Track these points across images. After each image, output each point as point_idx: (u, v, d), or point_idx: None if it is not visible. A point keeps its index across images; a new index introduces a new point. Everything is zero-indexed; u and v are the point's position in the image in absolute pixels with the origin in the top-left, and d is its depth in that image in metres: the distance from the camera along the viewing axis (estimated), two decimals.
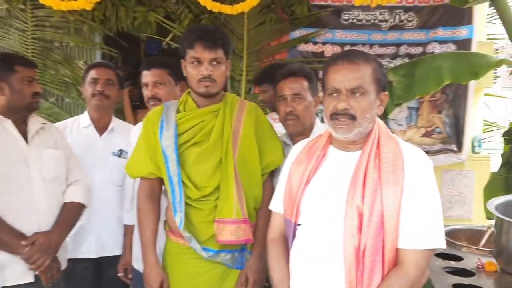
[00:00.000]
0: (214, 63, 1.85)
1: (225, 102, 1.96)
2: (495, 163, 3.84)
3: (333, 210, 1.44)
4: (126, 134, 2.48)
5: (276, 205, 1.68)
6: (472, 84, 3.66)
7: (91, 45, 3.85)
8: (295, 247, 1.57)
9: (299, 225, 1.55)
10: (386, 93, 1.51)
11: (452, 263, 1.83)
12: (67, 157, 2.13)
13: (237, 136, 1.91)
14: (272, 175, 2.03)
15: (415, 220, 1.36)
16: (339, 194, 1.44)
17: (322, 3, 3.78)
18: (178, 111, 1.95)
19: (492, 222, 3.37)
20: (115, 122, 2.56)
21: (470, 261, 1.85)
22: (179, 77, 2.34)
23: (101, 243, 2.43)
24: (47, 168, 2.01)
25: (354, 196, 1.39)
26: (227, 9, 2.93)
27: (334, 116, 1.45)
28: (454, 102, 3.75)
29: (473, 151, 3.82)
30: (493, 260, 1.78)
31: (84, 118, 2.52)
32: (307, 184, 1.53)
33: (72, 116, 3.77)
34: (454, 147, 3.77)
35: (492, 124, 4.31)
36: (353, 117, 1.42)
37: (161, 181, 1.98)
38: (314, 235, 1.48)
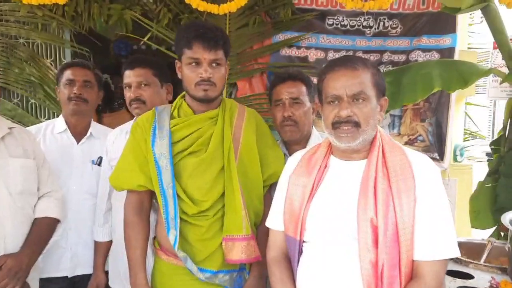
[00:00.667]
0: (214, 64, 1.70)
1: (223, 107, 1.80)
2: (477, 172, 3.87)
3: (344, 225, 1.37)
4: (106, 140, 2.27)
5: (274, 221, 1.57)
6: (454, 92, 3.65)
7: (60, 43, 3.59)
8: (302, 266, 1.46)
9: (304, 242, 1.46)
10: (386, 98, 1.46)
11: (466, 282, 1.74)
12: (39, 165, 1.89)
13: (237, 145, 1.75)
14: (270, 187, 1.89)
15: (431, 230, 1.31)
16: (348, 207, 1.37)
17: (306, 6, 3.68)
18: (172, 117, 1.77)
19: (472, 232, 3.38)
20: (95, 127, 2.33)
21: (482, 279, 1.77)
22: (164, 78, 2.17)
23: (77, 260, 2.21)
24: (14, 180, 1.77)
25: (366, 208, 1.33)
26: (213, 8, 2.76)
27: (337, 124, 1.38)
28: (437, 110, 3.73)
29: (455, 160, 3.82)
30: (508, 278, 1.71)
31: (59, 123, 2.28)
32: (311, 199, 1.44)
33: (38, 119, 3.52)
34: (436, 155, 3.75)
35: (473, 133, 4.35)
36: (357, 124, 1.37)
37: (150, 193, 1.79)
38: (325, 252, 1.40)
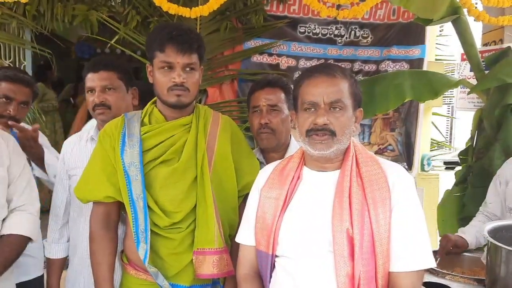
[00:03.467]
0: (188, 69, 1.61)
1: (197, 114, 1.71)
2: (443, 182, 3.93)
3: (319, 237, 1.32)
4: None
5: (245, 236, 1.50)
6: (422, 103, 3.71)
7: (20, 44, 3.41)
8: (275, 282, 1.41)
9: (277, 256, 1.41)
10: (361, 109, 1.44)
11: None
12: (15, 175, 1.70)
13: (211, 154, 1.67)
14: (245, 197, 1.82)
15: (407, 240, 1.29)
16: (322, 219, 1.33)
17: (279, 14, 3.66)
18: (142, 124, 1.67)
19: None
20: None
21: None
22: (130, 82, 2.05)
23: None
24: None
25: (342, 219, 1.29)
26: (185, 11, 2.67)
27: (312, 132, 1.35)
28: (406, 120, 3.78)
29: (422, 169, 3.87)
30: None
31: None
32: (283, 211, 1.40)
33: None
34: (405, 165, 3.79)
35: (439, 143, 4.43)
36: (332, 133, 1.34)
37: (118, 205, 1.68)
38: (299, 266, 1.35)
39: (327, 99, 1.33)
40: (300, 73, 3.66)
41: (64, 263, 2.04)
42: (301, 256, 1.34)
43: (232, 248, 1.68)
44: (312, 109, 1.35)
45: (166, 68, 1.59)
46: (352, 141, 1.42)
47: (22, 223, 1.68)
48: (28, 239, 1.69)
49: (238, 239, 1.53)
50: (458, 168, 3.40)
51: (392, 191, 1.31)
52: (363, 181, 1.34)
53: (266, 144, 1.94)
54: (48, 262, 2.03)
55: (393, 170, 1.37)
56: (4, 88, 2.03)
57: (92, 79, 1.95)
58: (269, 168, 1.53)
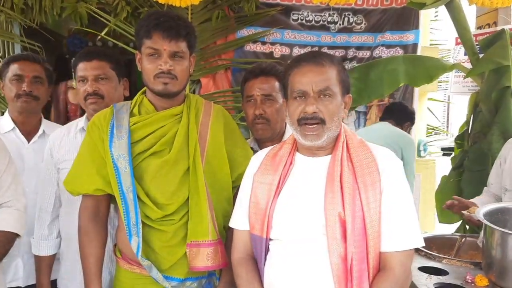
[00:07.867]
0: (175, 56, 1.57)
1: (188, 104, 1.68)
2: (440, 167, 3.92)
3: (312, 220, 1.36)
4: None
5: (239, 221, 1.52)
6: (417, 88, 3.69)
7: (9, 38, 3.36)
8: (270, 264, 1.44)
9: (271, 240, 1.43)
10: (350, 95, 1.47)
11: (441, 279, 1.71)
12: (0, 171, 1.67)
13: (204, 144, 1.64)
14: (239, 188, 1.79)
15: (397, 221, 1.34)
16: (315, 203, 1.36)
17: (271, 1, 3.62)
18: (131, 115, 1.64)
19: (436, 225, 3.41)
20: (46, 124, 2.15)
21: (456, 274, 1.75)
22: (122, 72, 2.03)
23: (30, 269, 2.01)
24: None
25: (333, 203, 1.33)
26: (175, 1, 2.63)
27: (303, 121, 1.38)
28: None
29: (419, 155, 3.86)
30: (482, 273, 1.68)
31: (5, 122, 2.08)
32: (277, 196, 1.43)
33: None
34: None
35: (435, 129, 4.42)
36: (322, 121, 1.37)
37: (108, 197, 1.66)
38: (293, 249, 1.38)
39: (316, 88, 1.36)
40: None
41: (53, 260, 2.00)
42: (295, 239, 1.38)
43: (227, 240, 1.66)
44: (302, 98, 1.38)
45: (153, 55, 1.56)
46: (343, 127, 1.45)
47: (9, 219, 1.66)
48: (15, 236, 1.66)
49: (231, 224, 1.54)
50: None
51: (382, 174, 1.35)
52: (353, 165, 1.38)
53: (261, 135, 1.92)
54: (37, 260, 1.98)
55: (383, 154, 1.41)
56: (13, 68, 2.05)
57: (84, 68, 1.92)
58: (261, 154, 1.55)
